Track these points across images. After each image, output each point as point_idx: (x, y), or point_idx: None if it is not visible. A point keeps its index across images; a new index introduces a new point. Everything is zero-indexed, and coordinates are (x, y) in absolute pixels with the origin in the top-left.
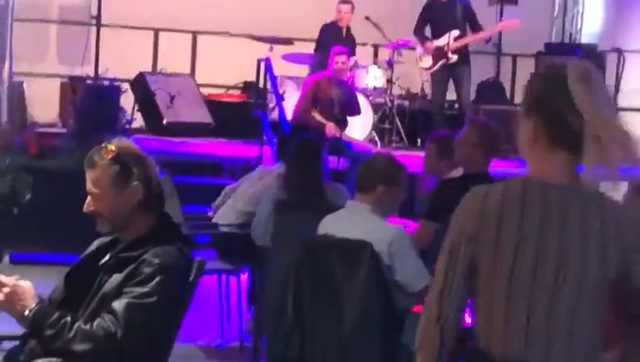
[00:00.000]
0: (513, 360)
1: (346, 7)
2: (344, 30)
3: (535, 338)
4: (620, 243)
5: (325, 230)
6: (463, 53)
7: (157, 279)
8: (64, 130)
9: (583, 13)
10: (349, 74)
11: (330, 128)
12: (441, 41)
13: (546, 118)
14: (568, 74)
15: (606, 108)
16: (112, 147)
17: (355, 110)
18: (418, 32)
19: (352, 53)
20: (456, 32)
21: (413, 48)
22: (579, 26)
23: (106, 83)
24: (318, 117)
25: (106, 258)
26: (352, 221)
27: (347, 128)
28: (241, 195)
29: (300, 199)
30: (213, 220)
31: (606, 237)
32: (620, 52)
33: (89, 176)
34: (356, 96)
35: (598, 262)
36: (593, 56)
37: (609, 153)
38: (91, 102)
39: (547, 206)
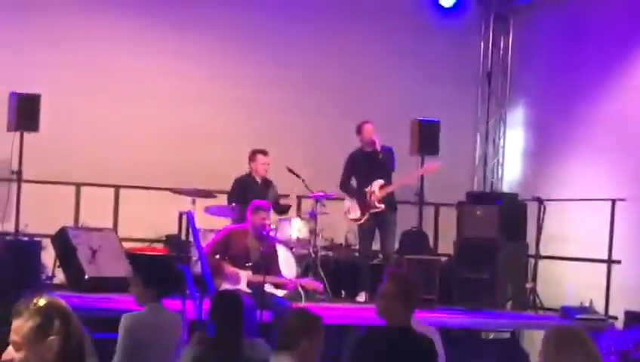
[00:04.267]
0: None
1: (266, 159)
2: (259, 181)
3: None
4: None
5: None
6: (389, 201)
7: None
8: None
9: (503, 163)
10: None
11: (245, 275)
12: (367, 191)
13: None
14: None
15: None
16: (41, 300)
17: (273, 269)
18: (345, 184)
19: (270, 202)
20: (380, 181)
21: (337, 199)
22: (499, 175)
23: (25, 239)
24: (230, 267)
25: None
26: None
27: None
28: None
29: (217, 356)
30: None
31: None
32: (540, 201)
33: (13, 325)
34: (276, 256)
35: None
36: (514, 205)
37: None
38: (9, 259)
39: None
